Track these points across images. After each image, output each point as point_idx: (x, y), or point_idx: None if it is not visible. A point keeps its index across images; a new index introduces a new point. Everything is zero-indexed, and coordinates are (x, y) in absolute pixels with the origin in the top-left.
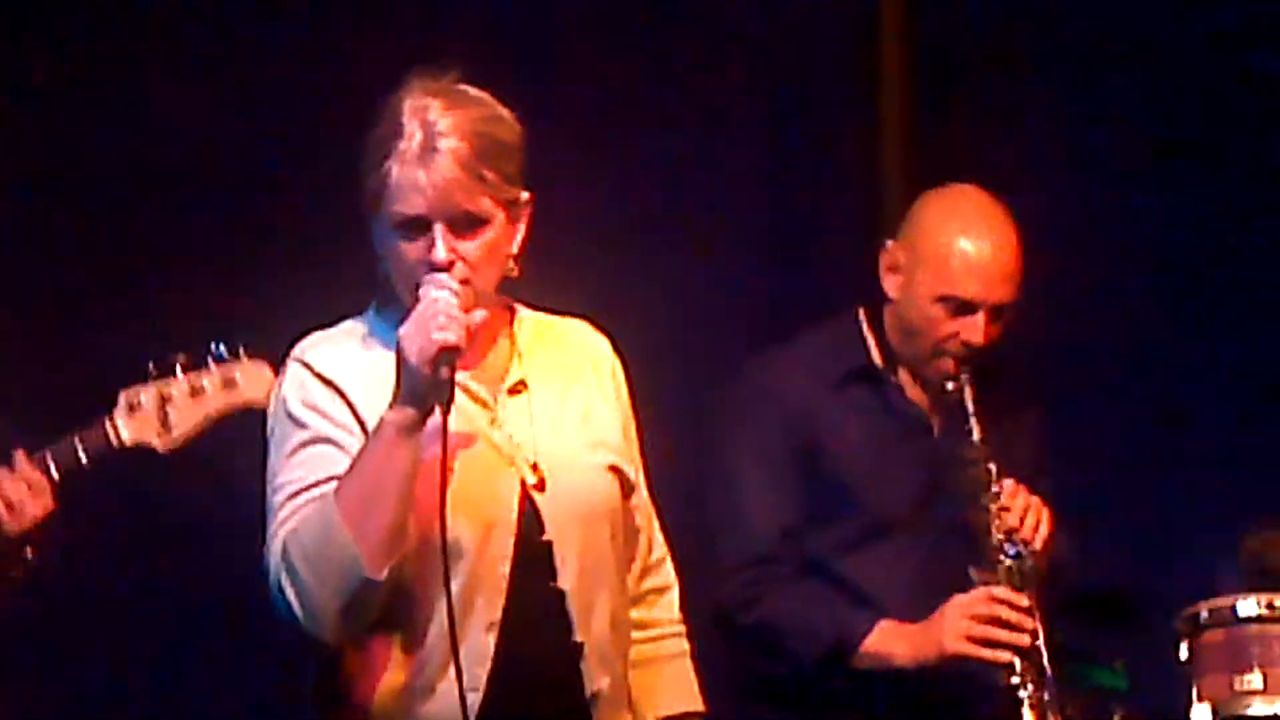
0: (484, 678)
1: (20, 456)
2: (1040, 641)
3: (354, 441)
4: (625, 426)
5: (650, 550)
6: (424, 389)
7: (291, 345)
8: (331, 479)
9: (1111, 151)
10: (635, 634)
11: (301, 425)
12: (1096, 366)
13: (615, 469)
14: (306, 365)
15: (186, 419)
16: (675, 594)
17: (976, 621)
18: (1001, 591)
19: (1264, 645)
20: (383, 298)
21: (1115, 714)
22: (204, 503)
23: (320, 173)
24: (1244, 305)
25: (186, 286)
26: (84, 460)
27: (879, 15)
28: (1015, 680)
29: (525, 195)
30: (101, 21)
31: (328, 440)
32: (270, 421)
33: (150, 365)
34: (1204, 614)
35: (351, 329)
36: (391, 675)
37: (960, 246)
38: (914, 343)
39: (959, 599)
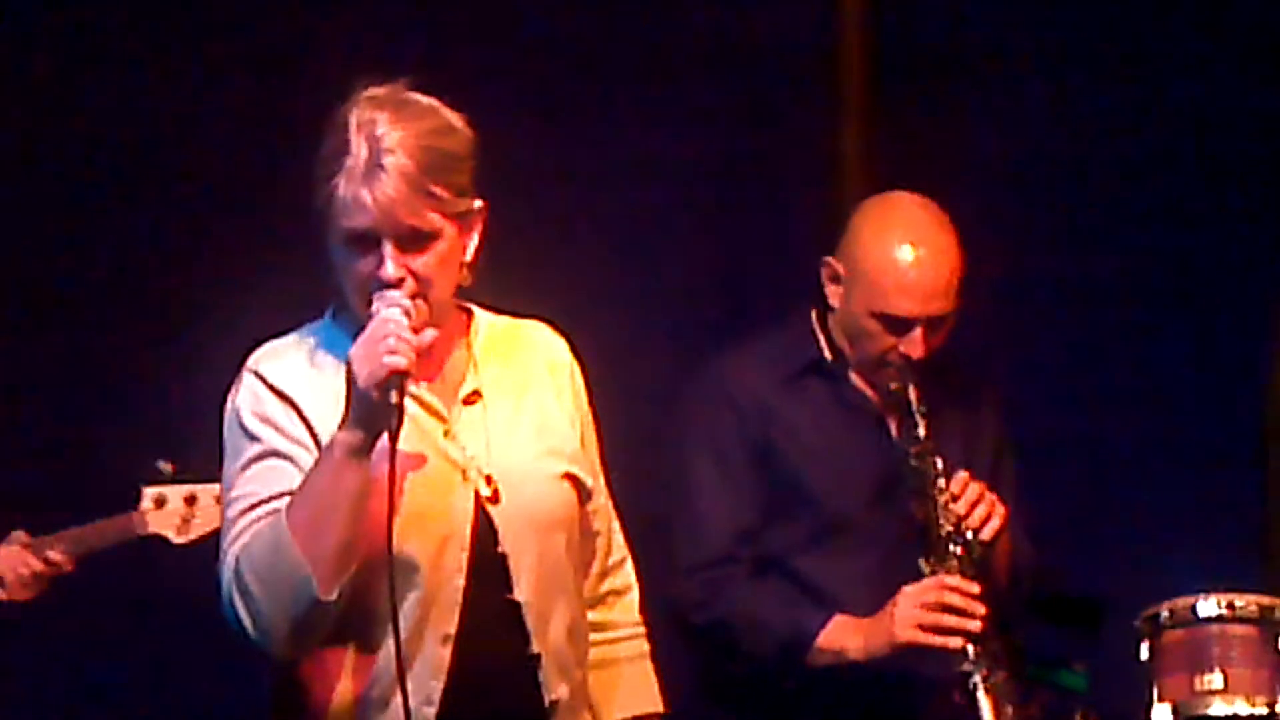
0: (439, 689)
1: (24, 537)
2: (992, 628)
3: (306, 455)
4: (583, 431)
5: (609, 553)
6: (373, 412)
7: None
8: (284, 494)
9: (1074, 142)
10: (595, 635)
11: (254, 438)
12: (1056, 368)
13: (570, 477)
14: (260, 376)
15: (207, 522)
16: (635, 595)
17: (926, 609)
18: (951, 579)
19: (1224, 645)
20: (339, 304)
21: (1076, 715)
22: None
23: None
24: (1209, 304)
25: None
26: (100, 549)
27: (840, 3)
28: (969, 667)
29: (478, 204)
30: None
31: (280, 455)
32: (225, 431)
33: (162, 464)
34: (1164, 614)
35: (304, 339)
36: (346, 686)
37: (892, 264)
38: (858, 351)
39: (908, 589)
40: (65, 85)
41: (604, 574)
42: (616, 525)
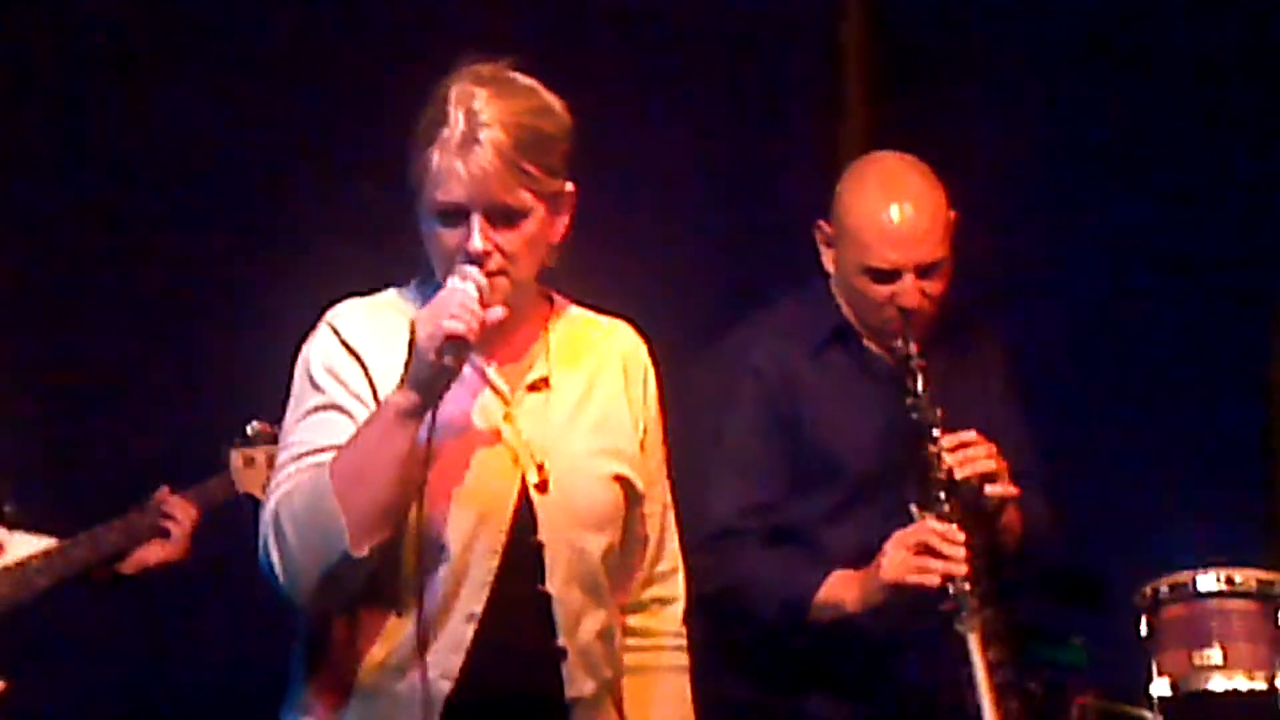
0: (457, 666)
1: (170, 492)
2: (983, 573)
3: (365, 413)
4: (646, 436)
5: (658, 561)
6: (429, 375)
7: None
8: (334, 446)
9: (1077, 132)
10: (634, 641)
11: (319, 389)
12: (1056, 344)
13: (621, 479)
14: (335, 330)
15: None
16: (680, 607)
17: (911, 551)
18: (936, 524)
19: (1223, 620)
20: (427, 272)
21: (1075, 690)
22: None
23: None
24: (1210, 285)
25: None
26: (216, 504)
27: None
28: (951, 605)
29: (569, 187)
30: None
31: (340, 409)
32: (294, 378)
33: (255, 425)
34: (1163, 589)
35: (388, 300)
36: (377, 650)
37: (870, 217)
38: (859, 311)
39: (897, 534)
40: (126, 73)
41: (650, 581)
42: (673, 535)
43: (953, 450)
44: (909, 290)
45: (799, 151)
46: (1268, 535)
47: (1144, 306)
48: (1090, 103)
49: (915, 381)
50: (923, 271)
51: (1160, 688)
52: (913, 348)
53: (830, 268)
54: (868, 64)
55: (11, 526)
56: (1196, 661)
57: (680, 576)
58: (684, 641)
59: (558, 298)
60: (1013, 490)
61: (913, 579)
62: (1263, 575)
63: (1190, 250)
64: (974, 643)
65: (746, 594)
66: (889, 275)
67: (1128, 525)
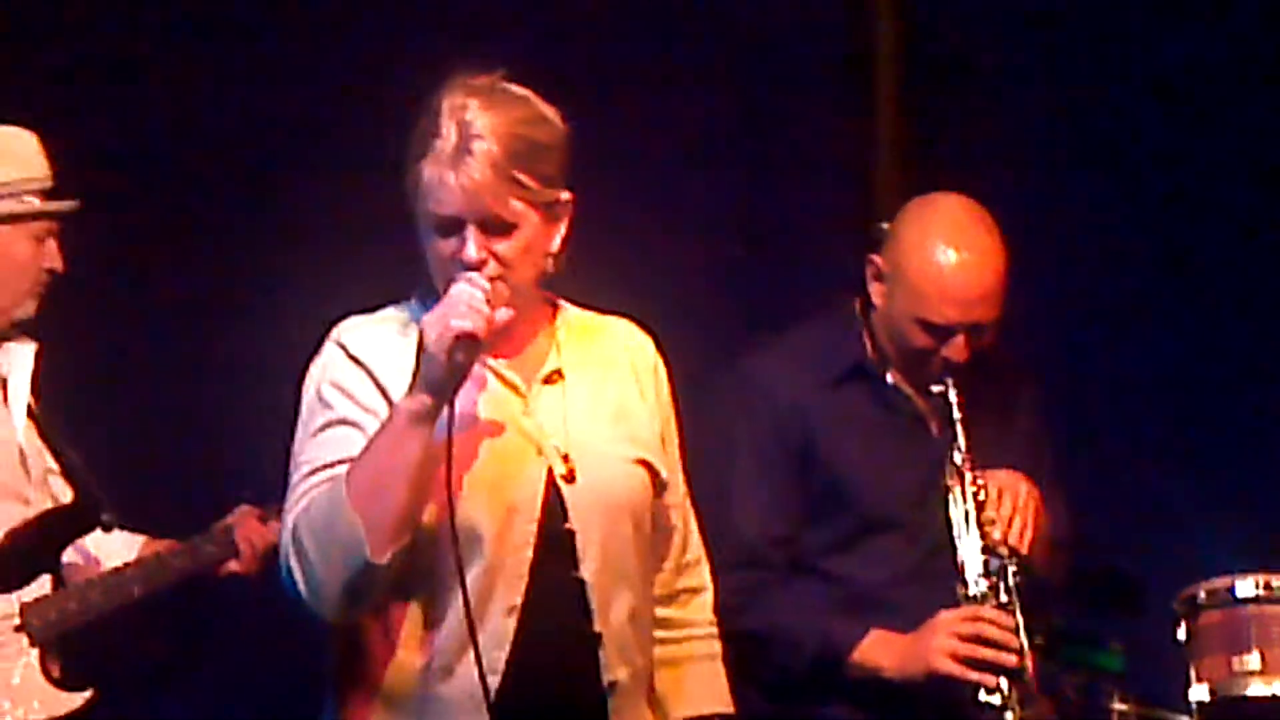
0: (503, 660)
1: (253, 511)
2: (1028, 661)
3: (376, 424)
4: (663, 427)
5: (685, 550)
6: (440, 376)
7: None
8: (348, 460)
9: (1109, 134)
10: (666, 633)
11: (328, 405)
12: (1092, 346)
13: (645, 464)
14: (342, 346)
15: None
16: (709, 596)
17: (961, 640)
18: (988, 611)
19: (1261, 626)
20: (426, 287)
21: (1112, 696)
22: None
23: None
24: (1242, 289)
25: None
26: None
27: None
28: (999, 701)
29: (565, 195)
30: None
31: (351, 423)
32: (302, 398)
33: None
34: (1201, 595)
35: (392, 315)
36: (408, 655)
37: (935, 271)
38: (899, 350)
39: (945, 616)
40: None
41: (679, 570)
42: (694, 526)
43: (1007, 528)
44: (959, 347)
45: (822, 156)
46: None
47: (1180, 307)
48: (1133, 94)
49: (955, 439)
50: (976, 330)
51: (1199, 693)
52: (954, 399)
53: (878, 302)
54: (899, 61)
55: (108, 529)
56: (1235, 667)
57: (705, 566)
58: (715, 630)
59: (561, 302)
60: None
61: (970, 676)
62: None
63: (1230, 253)
64: None
65: (777, 643)
66: (943, 331)
67: (1166, 530)
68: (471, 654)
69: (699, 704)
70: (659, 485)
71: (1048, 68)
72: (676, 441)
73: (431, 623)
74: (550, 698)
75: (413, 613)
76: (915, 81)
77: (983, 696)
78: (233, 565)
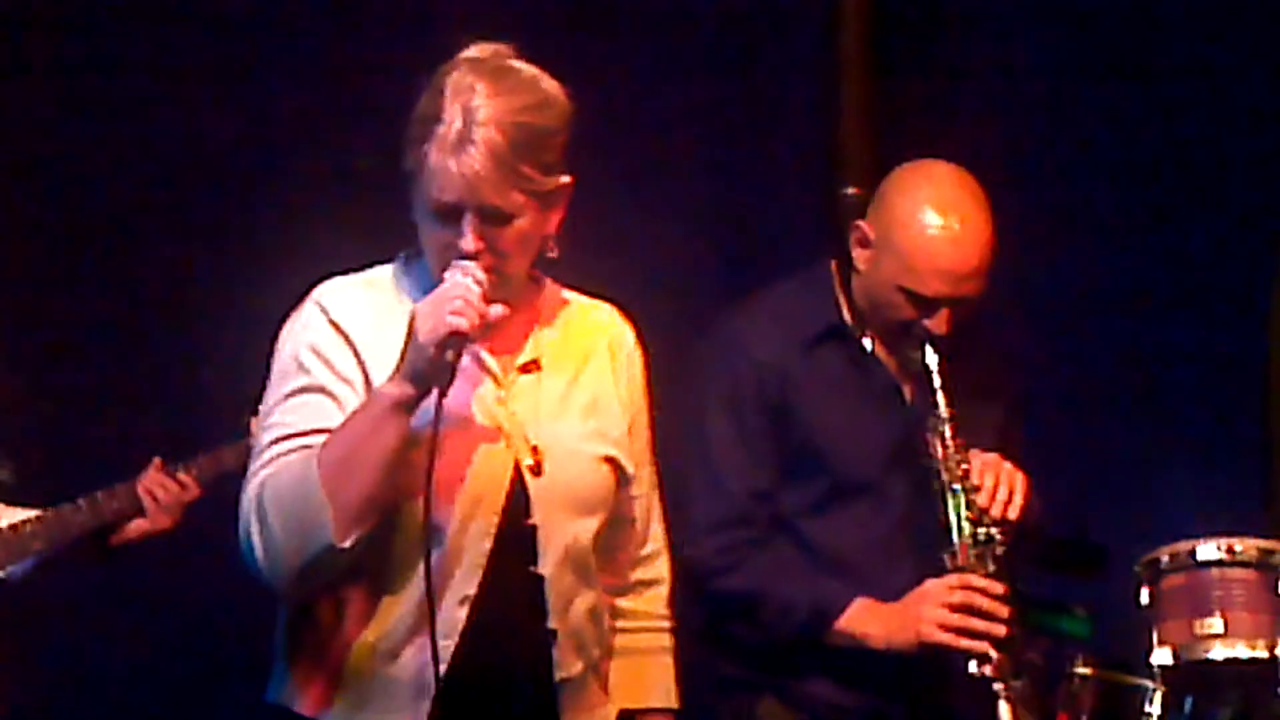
0: (452, 648)
1: (159, 464)
2: (1015, 631)
3: (352, 395)
4: (634, 418)
5: (644, 543)
6: (426, 368)
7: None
8: (320, 431)
9: (1078, 98)
10: (622, 623)
11: (304, 370)
12: (1055, 311)
13: (611, 460)
14: (323, 309)
15: None
16: (665, 589)
17: (951, 610)
18: (978, 579)
19: (1224, 589)
20: (411, 252)
21: (1077, 660)
22: None
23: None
24: (1213, 254)
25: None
26: (222, 473)
27: None
28: (989, 671)
29: (565, 180)
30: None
31: (326, 391)
32: (276, 354)
33: None
34: (1164, 559)
35: (377, 278)
36: (356, 634)
37: (926, 244)
38: (880, 316)
39: (933, 585)
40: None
41: (636, 563)
42: (658, 517)
43: (991, 499)
44: (943, 320)
45: (795, 128)
46: (1268, 504)
47: (1143, 272)
48: (1089, 66)
49: (938, 407)
50: (962, 304)
51: (1161, 657)
52: (935, 367)
53: (861, 267)
54: (866, 23)
55: (7, 498)
56: (1197, 630)
57: (665, 559)
58: (668, 624)
59: (545, 279)
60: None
61: (960, 644)
62: (1263, 544)
63: (1198, 207)
64: (1006, 712)
65: (763, 603)
66: (929, 303)
67: (1128, 495)
68: (419, 639)
69: (646, 698)
70: (623, 481)
71: (1021, 30)
72: (646, 434)
73: (382, 605)
74: (497, 690)
75: (364, 593)
76: (882, 41)
77: (973, 667)
78: (142, 524)
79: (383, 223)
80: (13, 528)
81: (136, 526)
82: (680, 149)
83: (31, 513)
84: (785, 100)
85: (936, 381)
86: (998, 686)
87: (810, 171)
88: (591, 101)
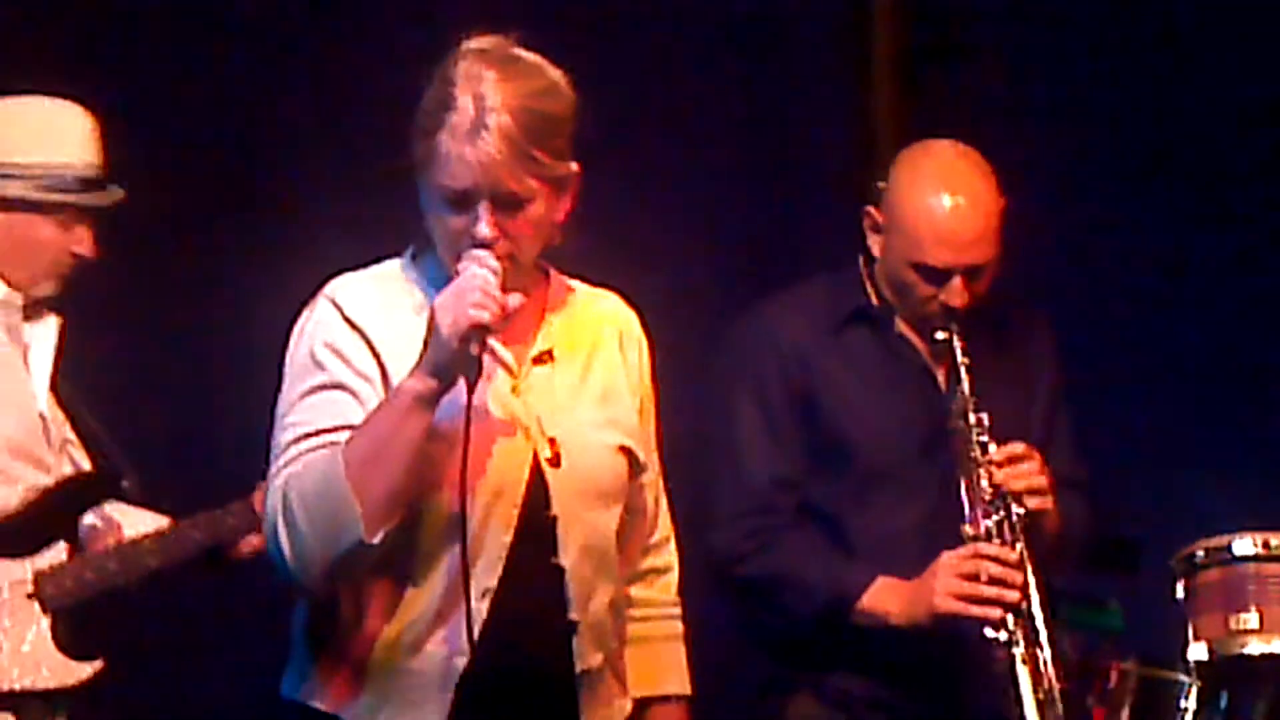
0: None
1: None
2: (1034, 597)
3: (370, 391)
4: (643, 405)
5: (653, 531)
6: (449, 361)
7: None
8: (341, 428)
9: (1106, 98)
10: (633, 611)
11: (321, 367)
12: (1088, 305)
13: (626, 450)
14: (336, 305)
15: None
16: (674, 576)
17: (964, 579)
18: (989, 547)
19: (1260, 584)
20: (420, 244)
21: (1111, 655)
22: None
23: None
24: (1246, 246)
25: None
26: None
27: None
28: (1005, 636)
29: (574, 167)
30: None
31: (344, 387)
32: (290, 351)
33: None
34: (1200, 554)
35: (386, 273)
36: (377, 627)
37: (927, 214)
38: (900, 300)
39: (947, 557)
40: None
41: (646, 550)
42: (664, 504)
43: (1002, 465)
44: (957, 290)
45: (824, 127)
46: None
47: (1181, 266)
48: (1123, 66)
49: (960, 382)
50: (973, 271)
51: (1197, 652)
52: (957, 344)
53: (876, 253)
54: (899, 28)
55: (131, 503)
56: (1233, 625)
57: (672, 545)
58: (678, 611)
59: (550, 269)
60: (1049, 505)
61: (973, 611)
62: None
63: (1233, 209)
64: (1025, 677)
65: (784, 587)
66: (939, 274)
67: (1164, 490)
68: (441, 632)
69: (658, 684)
70: (636, 470)
71: (1052, 39)
72: (652, 421)
73: (405, 598)
74: (519, 681)
75: (386, 587)
76: (915, 47)
77: (988, 633)
78: (254, 541)
79: (383, 219)
80: (132, 543)
81: (249, 543)
82: (707, 148)
83: (156, 521)
84: (814, 100)
85: (960, 358)
86: (1016, 651)
87: (841, 171)
88: (619, 99)
